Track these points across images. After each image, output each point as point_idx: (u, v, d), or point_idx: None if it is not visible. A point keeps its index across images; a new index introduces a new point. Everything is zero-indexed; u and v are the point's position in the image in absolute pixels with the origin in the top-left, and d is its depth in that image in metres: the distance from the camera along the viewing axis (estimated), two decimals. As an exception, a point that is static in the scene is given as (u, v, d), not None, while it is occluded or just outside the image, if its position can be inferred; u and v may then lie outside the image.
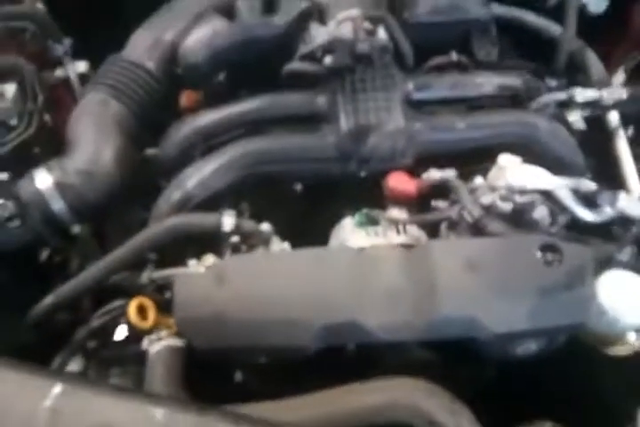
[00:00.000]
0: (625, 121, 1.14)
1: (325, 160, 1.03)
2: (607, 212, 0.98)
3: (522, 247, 0.86)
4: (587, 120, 1.14)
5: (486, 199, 0.94)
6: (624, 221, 1.00)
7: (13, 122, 1.08)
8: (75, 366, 0.98)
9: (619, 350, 0.95)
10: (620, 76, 1.22)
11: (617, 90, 1.09)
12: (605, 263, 0.98)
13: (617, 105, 1.09)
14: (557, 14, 1.22)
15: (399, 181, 0.97)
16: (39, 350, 0.98)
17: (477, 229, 0.92)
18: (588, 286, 0.85)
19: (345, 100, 1.03)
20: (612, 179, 1.12)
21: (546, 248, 0.85)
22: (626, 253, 1.01)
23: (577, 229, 1.02)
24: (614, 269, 0.97)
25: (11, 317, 1.00)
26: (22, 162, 1.07)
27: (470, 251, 0.87)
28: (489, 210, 0.94)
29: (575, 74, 1.21)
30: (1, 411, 0.66)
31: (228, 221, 0.94)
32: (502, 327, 0.83)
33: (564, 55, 1.14)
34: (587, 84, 1.16)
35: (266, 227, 0.97)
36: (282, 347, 0.84)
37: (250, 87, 1.21)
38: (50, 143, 1.12)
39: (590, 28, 1.29)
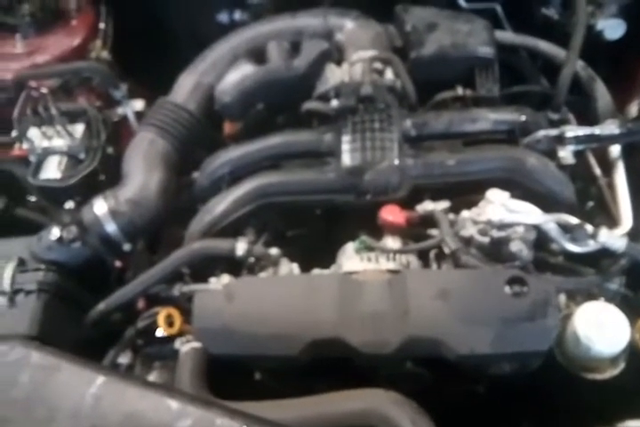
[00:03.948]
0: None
1: (328, 192, 1.14)
2: (591, 244, 1.04)
3: (491, 279, 0.94)
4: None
5: (466, 232, 1.03)
6: (612, 253, 1.05)
7: (82, 156, 1.32)
8: (124, 359, 1.18)
9: (595, 376, 0.99)
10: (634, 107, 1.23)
11: (610, 126, 1.11)
12: (592, 293, 1.04)
13: (611, 139, 1.12)
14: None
15: (390, 213, 1.07)
16: (98, 344, 1.20)
17: (454, 260, 1.01)
18: (550, 316, 0.92)
19: (347, 139, 1.14)
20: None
21: (513, 281, 0.93)
22: (614, 284, 1.06)
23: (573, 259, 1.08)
24: (600, 298, 1.04)
25: (78, 317, 1.20)
26: (91, 189, 1.30)
27: (443, 280, 0.96)
28: (469, 242, 1.03)
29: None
30: (57, 393, 0.84)
31: (240, 246, 1.10)
32: (465, 350, 0.91)
33: (567, 85, 1.16)
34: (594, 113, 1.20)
35: (274, 251, 1.12)
36: (276, 356, 0.99)
37: (285, 114, 1.37)
38: (113, 170, 1.34)
39: (613, 52, 1.31)
